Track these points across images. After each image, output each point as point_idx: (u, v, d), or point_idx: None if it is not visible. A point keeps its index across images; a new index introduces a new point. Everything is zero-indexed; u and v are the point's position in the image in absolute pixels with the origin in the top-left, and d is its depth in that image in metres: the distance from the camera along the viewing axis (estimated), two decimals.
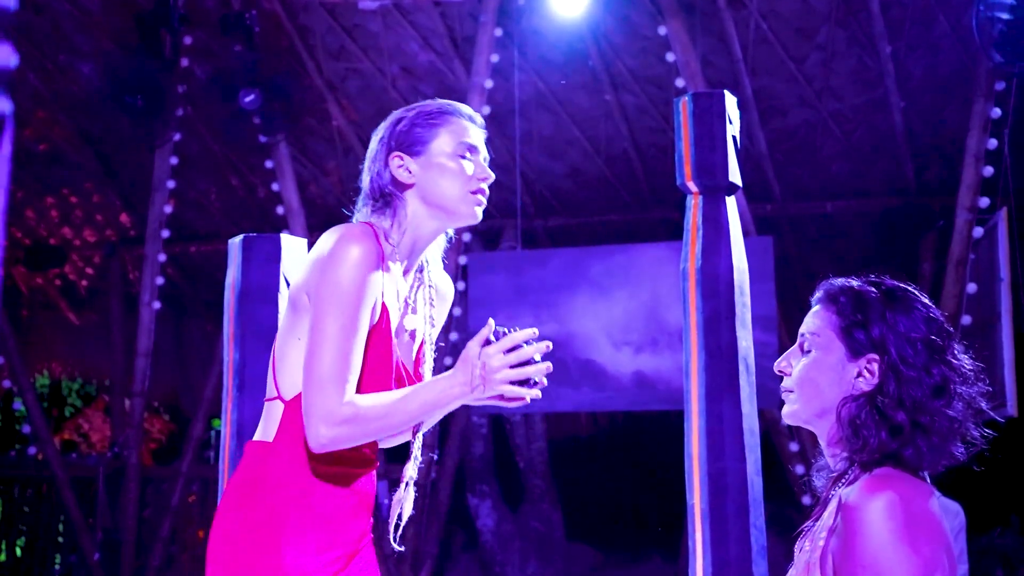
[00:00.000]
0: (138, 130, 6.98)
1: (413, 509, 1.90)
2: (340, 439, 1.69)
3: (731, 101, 2.67)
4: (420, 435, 1.91)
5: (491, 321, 1.74)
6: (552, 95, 7.16)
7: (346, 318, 1.71)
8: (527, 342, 1.71)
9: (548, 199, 7.87)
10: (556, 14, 6.29)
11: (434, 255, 1.99)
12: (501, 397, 1.71)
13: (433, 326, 1.97)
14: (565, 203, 7.91)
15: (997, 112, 5.74)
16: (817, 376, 1.49)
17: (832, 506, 1.42)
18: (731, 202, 2.65)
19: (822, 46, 6.56)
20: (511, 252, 7.20)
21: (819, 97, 6.84)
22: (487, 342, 1.71)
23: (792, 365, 1.53)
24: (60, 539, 7.68)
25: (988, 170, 5.80)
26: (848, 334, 1.47)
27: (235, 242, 2.87)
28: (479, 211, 1.89)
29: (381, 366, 1.79)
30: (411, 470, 1.87)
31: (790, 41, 6.59)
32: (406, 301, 1.90)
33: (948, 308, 5.88)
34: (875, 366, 1.44)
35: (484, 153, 1.93)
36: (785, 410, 1.53)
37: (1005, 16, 5.22)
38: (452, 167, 1.87)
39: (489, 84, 6.46)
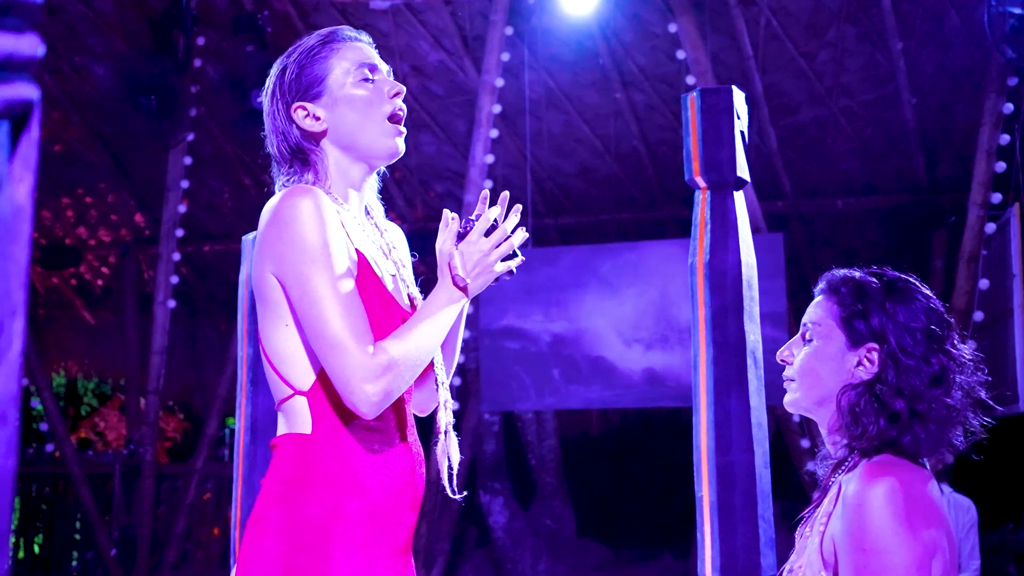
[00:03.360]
0: (152, 130, 7.05)
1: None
2: (390, 389, 1.56)
3: (739, 97, 2.69)
4: (445, 385, 1.78)
5: (448, 213, 1.69)
6: (562, 93, 7.18)
7: (329, 270, 1.56)
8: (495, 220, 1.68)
9: (559, 197, 7.90)
10: (566, 13, 6.31)
11: (373, 201, 1.82)
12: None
13: (404, 267, 1.83)
14: (576, 201, 7.93)
15: (1009, 108, 5.73)
16: (818, 365, 1.51)
17: (832, 492, 1.45)
18: (739, 197, 2.67)
19: (833, 43, 6.56)
20: (521, 250, 7.22)
21: (830, 94, 6.84)
22: (460, 237, 1.67)
23: (794, 354, 1.56)
24: (77, 536, 7.76)
25: (1000, 166, 5.79)
26: (848, 324, 1.49)
27: (248, 239, 2.91)
28: (400, 142, 1.73)
29: (383, 310, 1.66)
30: (445, 417, 1.75)
31: (800, 38, 6.59)
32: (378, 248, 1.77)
33: (960, 304, 5.87)
34: (875, 355, 1.46)
35: (384, 67, 1.76)
36: (787, 399, 1.56)
37: (1017, 11, 5.21)
38: (360, 94, 1.70)
39: (500, 83, 6.49)
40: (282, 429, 1.66)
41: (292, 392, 1.63)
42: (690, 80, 6.20)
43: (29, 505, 7.87)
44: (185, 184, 7.15)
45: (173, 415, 10.85)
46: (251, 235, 2.76)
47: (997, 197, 5.82)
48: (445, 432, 1.74)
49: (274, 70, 1.75)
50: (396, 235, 1.86)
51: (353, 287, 1.58)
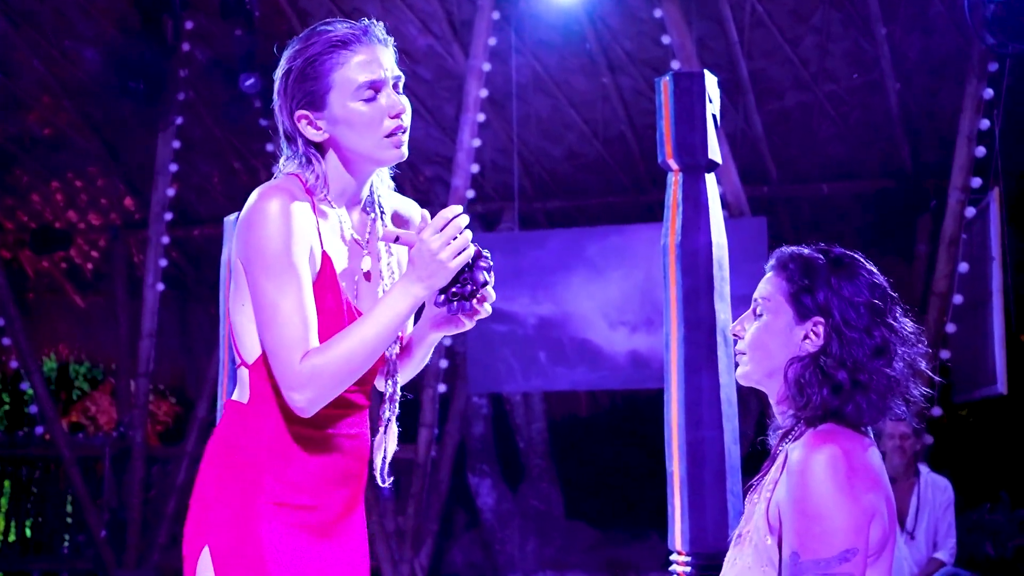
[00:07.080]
0: (141, 115, 7.06)
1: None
2: (316, 398, 1.64)
3: (711, 81, 2.74)
4: (393, 379, 1.83)
5: (425, 213, 1.76)
6: (550, 78, 7.21)
7: (281, 278, 1.63)
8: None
9: (546, 181, 7.94)
10: None
11: (381, 187, 1.85)
12: (464, 310, 1.68)
13: (391, 253, 1.84)
14: (563, 185, 7.97)
15: (990, 93, 5.78)
16: (767, 339, 1.57)
17: (779, 460, 1.51)
18: (710, 179, 2.72)
19: (818, 28, 6.59)
20: (509, 233, 7.28)
21: (815, 79, 6.88)
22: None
23: (745, 329, 1.62)
24: (68, 519, 7.80)
25: (980, 150, 5.85)
26: (796, 299, 1.55)
27: (230, 219, 2.96)
28: (402, 150, 1.74)
29: (333, 314, 1.71)
30: (387, 411, 1.81)
31: (786, 23, 6.63)
32: (356, 242, 1.79)
33: (940, 287, 5.94)
34: (820, 328, 1.53)
35: (390, 72, 1.72)
36: (738, 371, 1.62)
37: None
38: (359, 114, 1.70)
39: (487, 67, 6.52)
40: (232, 394, 1.79)
41: (240, 362, 1.76)
42: (676, 65, 6.23)
43: (19, 488, 7.92)
44: (174, 168, 7.16)
45: (165, 399, 10.89)
46: (232, 216, 2.81)
47: (977, 182, 5.87)
48: (384, 427, 1.81)
49: (283, 59, 1.74)
50: (402, 217, 1.87)
51: (302, 296, 1.65)
